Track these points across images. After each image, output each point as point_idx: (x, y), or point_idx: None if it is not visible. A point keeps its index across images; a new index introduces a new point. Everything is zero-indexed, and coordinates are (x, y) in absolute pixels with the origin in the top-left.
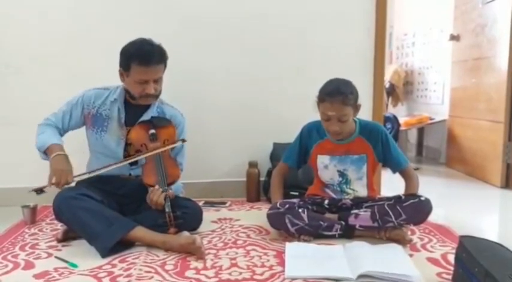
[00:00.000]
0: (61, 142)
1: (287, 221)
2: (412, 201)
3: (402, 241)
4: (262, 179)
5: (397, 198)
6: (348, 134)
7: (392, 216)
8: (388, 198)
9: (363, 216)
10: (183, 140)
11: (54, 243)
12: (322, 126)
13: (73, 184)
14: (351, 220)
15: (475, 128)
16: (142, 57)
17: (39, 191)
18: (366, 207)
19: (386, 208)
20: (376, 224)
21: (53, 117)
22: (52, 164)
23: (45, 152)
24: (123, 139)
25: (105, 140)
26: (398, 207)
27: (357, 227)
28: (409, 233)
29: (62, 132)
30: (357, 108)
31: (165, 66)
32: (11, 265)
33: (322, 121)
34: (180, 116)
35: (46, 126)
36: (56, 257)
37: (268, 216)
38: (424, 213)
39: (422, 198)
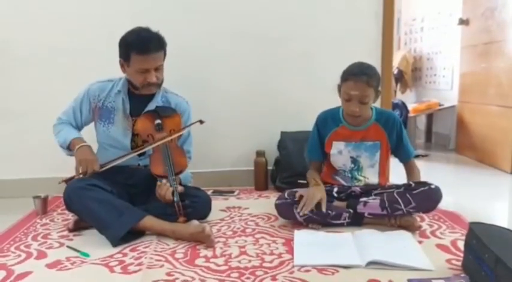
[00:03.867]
0: (80, 135)
1: (295, 211)
2: (422, 189)
3: (411, 228)
4: (269, 168)
5: (407, 186)
6: (365, 120)
7: (402, 204)
8: (398, 186)
9: (371, 204)
10: (201, 121)
11: (66, 233)
12: (337, 114)
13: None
14: (360, 208)
15: (484, 114)
16: (141, 45)
17: (69, 181)
18: (375, 194)
19: (396, 196)
20: (385, 212)
21: (64, 116)
22: (77, 155)
23: (69, 148)
24: (129, 130)
25: (112, 132)
26: (408, 195)
27: (366, 215)
28: (418, 219)
29: (77, 128)
30: (377, 93)
31: (165, 53)
32: (23, 255)
33: (343, 102)
34: (185, 104)
35: (61, 125)
36: (67, 246)
37: (277, 206)
38: (433, 201)
39: (433, 186)
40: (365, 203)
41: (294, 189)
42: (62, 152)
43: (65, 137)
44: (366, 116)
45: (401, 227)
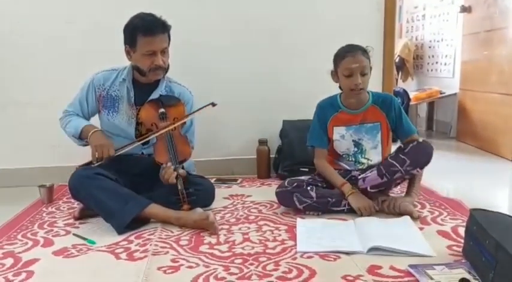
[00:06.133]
0: (91, 123)
1: (295, 199)
2: (411, 145)
3: (410, 217)
4: (272, 156)
5: (397, 149)
6: (363, 102)
7: (398, 165)
8: (390, 154)
9: (370, 177)
10: (213, 103)
11: (72, 221)
12: (335, 101)
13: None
14: (361, 184)
15: (486, 101)
16: (147, 27)
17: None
18: (371, 169)
19: (390, 160)
20: (385, 179)
21: (71, 108)
22: (92, 140)
23: (80, 137)
24: (133, 119)
25: (116, 121)
26: (401, 156)
27: (368, 189)
28: (418, 207)
29: (85, 119)
30: (370, 68)
31: (169, 37)
32: (30, 242)
33: (344, 80)
34: (188, 93)
35: (68, 116)
36: (74, 234)
37: (277, 194)
38: (426, 154)
39: (421, 140)
40: (364, 178)
41: (294, 178)
42: (74, 142)
43: (76, 126)
44: (365, 97)
45: (401, 215)
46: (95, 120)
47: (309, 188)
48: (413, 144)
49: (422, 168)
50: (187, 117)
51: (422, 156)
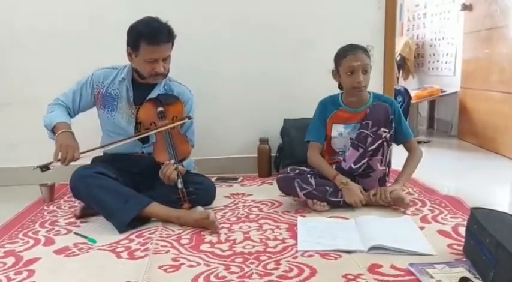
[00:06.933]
0: (68, 121)
1: (296, 185)
2: (368, 110)
3: (402, 204)
4: (273, 154)
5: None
6: (364, 102)
7: (364, 130)
8: None
9: (348, 154)
10: (189, 117)
11: (73, 219)
12: (336, 99)
13: (80, 161)
14: (344, 165)
15: (487, 100)
16: (152, 36)
17: (44, 168)
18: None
19: (358, 131)
20: (361, 150)
21: (63, 97)
22: (58, 140)
23: (53, 131)
24: (133, 118)
25: (116, 120)
26: (363, 122)
27: (353, 166)
28: (417, 206)
29: (72, 113)
30: (370, 67)
31: (173, 44)
32: (32, 241)
33: (346, 78)
34: (188, 93)
35: (55, 105)
36: (75, 233)
37: (278, 180)
38: (384, 111)
39: (371, 106)
40: (344, 158)
41: (296, 166)
42: (46, 133)
43: (52, 119)
44: (366, 96)
45: (394, 204)
46: (95, 118)
47: (308, 176)
48: (370, 107)
49: (385, 127)
50: (180, 122)
51: (380, 114)
